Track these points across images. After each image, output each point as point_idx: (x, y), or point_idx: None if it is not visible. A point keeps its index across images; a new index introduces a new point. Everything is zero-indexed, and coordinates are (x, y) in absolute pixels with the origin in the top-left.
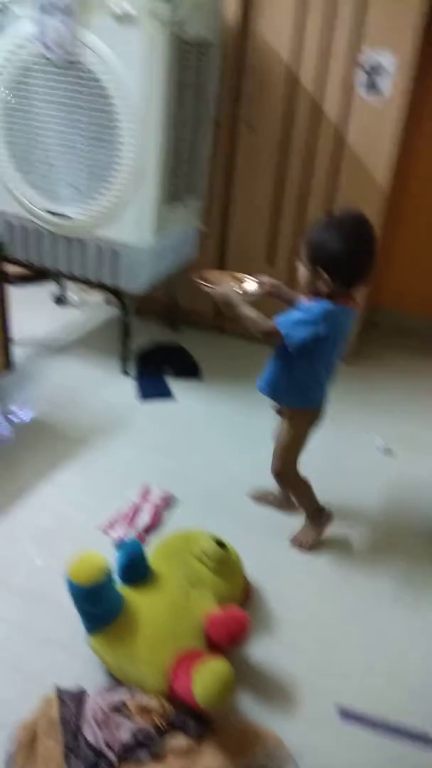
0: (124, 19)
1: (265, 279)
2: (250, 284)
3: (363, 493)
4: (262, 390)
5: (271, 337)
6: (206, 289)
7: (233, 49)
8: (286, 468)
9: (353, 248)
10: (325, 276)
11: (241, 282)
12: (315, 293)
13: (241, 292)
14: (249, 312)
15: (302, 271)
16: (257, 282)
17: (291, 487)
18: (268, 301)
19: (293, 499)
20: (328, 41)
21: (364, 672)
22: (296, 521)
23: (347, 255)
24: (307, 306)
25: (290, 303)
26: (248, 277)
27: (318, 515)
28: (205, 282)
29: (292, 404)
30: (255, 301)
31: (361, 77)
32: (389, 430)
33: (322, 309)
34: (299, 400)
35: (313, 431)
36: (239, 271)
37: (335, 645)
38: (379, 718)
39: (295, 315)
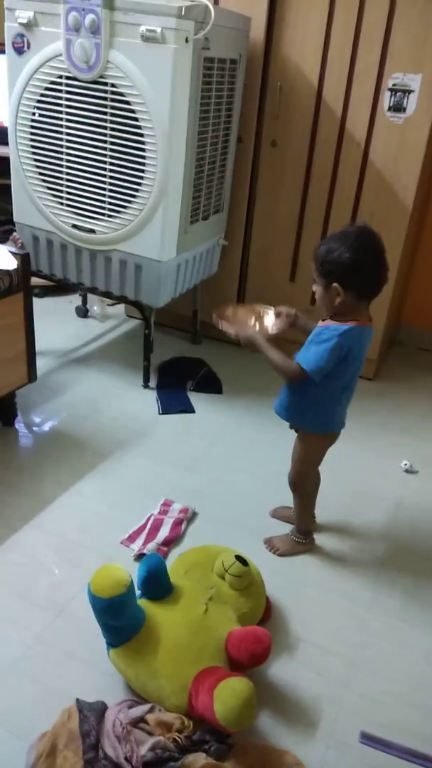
0: (150, 37)
1: (283, 309)
2: (269, 317)
3: (387, 513)
4: (280, 414)
5: (298, 377)
6: (228, 329)
7: (258, 67)
8: (301, 480)
9: (360, 255)
10: (339, 289)
11: (260, 316)
12: (332, 312)
13: (261, 329)
14: (274, 355)
15: (317, 291)
16: (276, 313)
17: (299, 498)
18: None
19: (294, 508)
20: (353, 61)
21: (387, 695)
22: (319, 538)
23: (355, 263)
24: (322, 334)
25: (308, 331)
26: (266, 308)
27: (305, 535)
28: (225, 319)
29: (311, 429)
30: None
31: (386, 96)
32: (412, 449)
33: (336, 333)
34: (318, 423)
35: (327, 448)
36: (258, 300)
37: (358, 667)
38: (400, 743)
39: (312, 348)
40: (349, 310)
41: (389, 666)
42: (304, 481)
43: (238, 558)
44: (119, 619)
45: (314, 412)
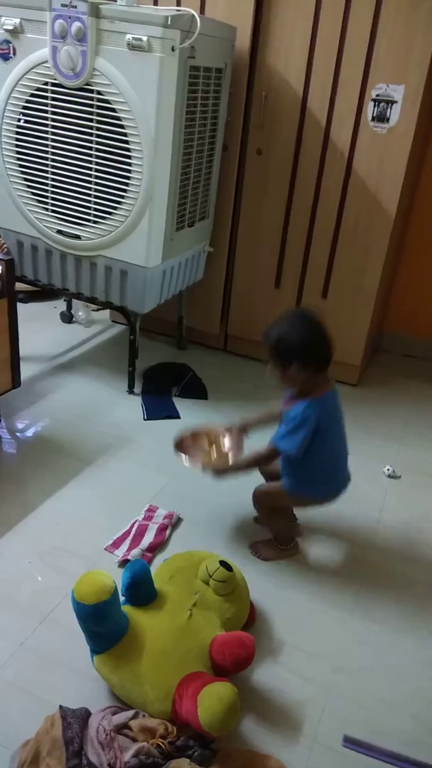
0: (136, 46)
1: (233, 426)
2: (225, 440)
3: (370, 518)
4: (292, 488)
5: (273, 457)
6: (193, 466)
7: (243, 77)
8: (269, 507)
9: (312, 335)
10: (299, 368)
11: (216, 440)
12: (298, 389)
13: (220, 456)
14: (243, 462)
15: (277, 374)
16: (229, 432)
17: (262, 513)
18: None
19: (263, 518)
20: (337, 71)
21: (370, 699)
22: (302, 542)
23: (309, 342)
24: (289, 413)
25: (273, 420)
26: (218, 429)
27: (286, 542)
28: (184, 451)
29: (319, 496)
30: None
31: (369, 107)
32: (395, 454)
33: (301, 410)
34: (321, 489)
35: None
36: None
37: (341, 671)
38: (383, 746)
39: (281, 429)
40: (310, 384)
41: (372, 670)
42: (273, 509)
43: (223, 563)
44: (103, 625)
45: (315, 480)
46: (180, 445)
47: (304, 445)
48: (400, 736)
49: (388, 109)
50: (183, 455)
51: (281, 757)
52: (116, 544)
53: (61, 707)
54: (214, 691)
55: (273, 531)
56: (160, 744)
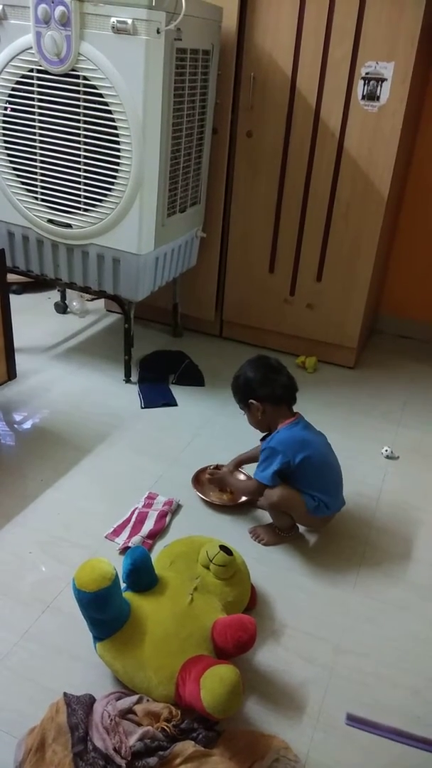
0: (121, 29)
1: (228, 465)
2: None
3: (368, 499)
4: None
5: (260, 489)
6: (208, 500)
7: (231, 58)
8: (277, 510)
9: (260, 371)
10: (256, 404)
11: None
12: (264, 426)
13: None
14: (244, 494)
15: (247, 417)
16: (219, 470)
17: (272, 511)
18: None
19: (270, 514)
20: (326, 50)
21: (372, 677)
22: (303, 527)
23: (258, 378)
24: (264, 451)
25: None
26: (211, 472)
27: (287, 530)
28: (199, 489)
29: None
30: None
31: (359, 85)
32: (393, 435)
33: (273, 443)
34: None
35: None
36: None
37: (343, 650)
38: (386, 723)
39: (260, 466)
40: (273, 418)
41: (374, 649)
42: (282, 513)
43: (223, 548)
44: (105, 612)
45: (316, 500)
46: (197, 480)
47: (278, 473)
48: (402, 712)
49: (378, 87)
50: (198, 492)
51: (285, 737)
52: (117, 531)
53: (65, 694)
54: (216, 674)
55: (276, 522)
56: (165, 727)
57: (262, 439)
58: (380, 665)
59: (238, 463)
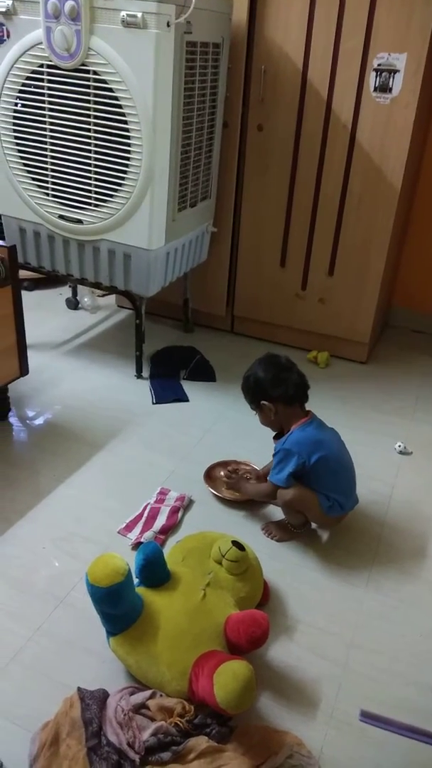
0: (131, 23)
1: (258, 470)
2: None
3: (382, 495)
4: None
5: (275, 491)
6: (219, 495)
7: (242, 51)
8: (291, 510)
9: (270, 371)
10: (268, 405)
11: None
12: (277, 427)
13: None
14: (256, 495)
15: (258, 417)
16: (236, 474)
17: (285, 509)
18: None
19: (283, 512)
20: (337, 41)
21: (386, 674)
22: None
23: (269, 378)
24: (278, 453)
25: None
26: (244, 465)
27: (299, 526)
28: (212, 483)
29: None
30: None
31: (371, 77)
32: (406, 430)
33: (287, 445)
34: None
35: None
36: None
37: (356, 647)
38: (400, 720)
39: (275, 467)
40: (286, 417)
41: (387, 645)
42: (295, 511)
43: (235, 543)
44: (118, 607)
45: (330, 500)
46: (209, 476)
47: (293, 475)
48: (416, 709)
49: (391, 79)
50: (210, 488)
51: (299, 733)
52: (129, 527)
53: (79, 689)
54: (229, 669)
55: (289, 519)
56: (178, 722)
57: (275, 437)
58: (393, 662)
59: (263, 476)
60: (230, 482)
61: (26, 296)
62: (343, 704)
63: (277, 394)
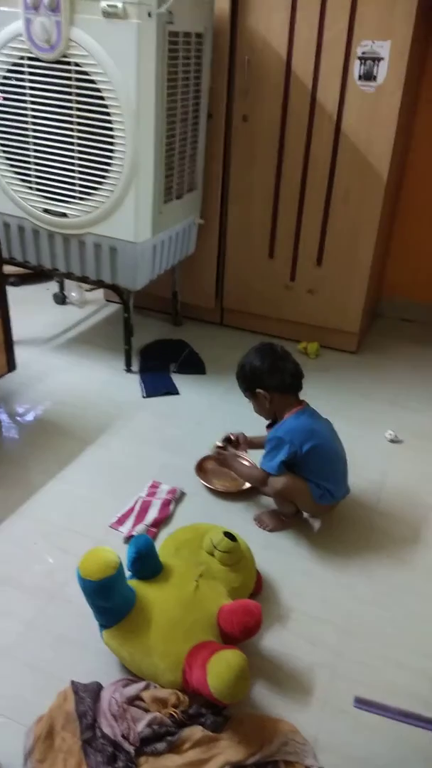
0: (111, 13)
1: (242, 434)
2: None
3: (373, 483)
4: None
5: (266, 478)
6: (211, 487)
7: (225, 41)
8: (282, 500)
9: (267, 360)
10: (264, 393)
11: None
12: (271, 415)
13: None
14: (244, 470)
15: (253, 405)
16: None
17: (275, 499)
18: None
19: (274, 501)
20: (321, 30)
21: (379, 660)
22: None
23: (267, 365)
24: (270, 440)
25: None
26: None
27: (290, 515)
28: (203, 476)
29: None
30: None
31: (356, 65)
32: (397, 419)
33: (280, 433)
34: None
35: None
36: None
37: (349, 634)
38: (394, 705)
39: (266, 454)
40: (280, 406)
41: (380, 631)
42: (286, 500)
43: (227, 534)
44: (110, 600)
45: (321, 489)
46: (200, 469)
47: (285, 463)
48: (410, 694)
49: (375, 67)
50: (202, 480)
51: (293, 721)
52: (121, 521)
53: (72, 682)
54: (223, 659)
55: (279, 508)
56: (173, 713)
57: (268, 427)
58: (387, 647)
59: (250, 444)
60: (220, 458)
61: (13, 292)
62: (337, 691)
63: (272, 383)
